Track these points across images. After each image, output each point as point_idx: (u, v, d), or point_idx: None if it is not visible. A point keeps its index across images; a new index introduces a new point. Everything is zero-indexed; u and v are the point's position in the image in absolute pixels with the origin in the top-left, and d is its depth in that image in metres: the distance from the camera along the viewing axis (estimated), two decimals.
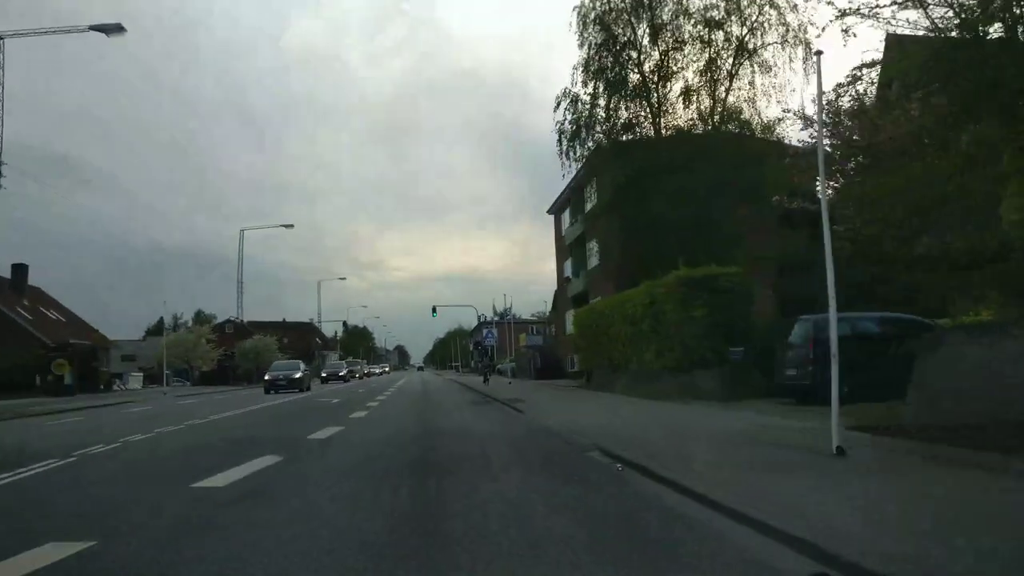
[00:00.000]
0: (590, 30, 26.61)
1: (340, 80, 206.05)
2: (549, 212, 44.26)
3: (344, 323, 76.61)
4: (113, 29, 32.08)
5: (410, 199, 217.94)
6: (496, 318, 74.67)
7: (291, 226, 64.20)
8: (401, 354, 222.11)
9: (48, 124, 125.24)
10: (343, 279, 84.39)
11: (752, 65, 25.76)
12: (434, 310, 59.94)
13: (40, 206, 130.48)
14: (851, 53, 11.41)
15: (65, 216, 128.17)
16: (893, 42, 9.58)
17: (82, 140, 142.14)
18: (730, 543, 4.38)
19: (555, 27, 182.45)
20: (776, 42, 25.47)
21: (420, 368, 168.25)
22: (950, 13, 7.53)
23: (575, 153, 27.24)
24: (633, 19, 26.37)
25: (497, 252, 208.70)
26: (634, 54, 26.54)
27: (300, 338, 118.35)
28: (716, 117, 25.93)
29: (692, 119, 26.36)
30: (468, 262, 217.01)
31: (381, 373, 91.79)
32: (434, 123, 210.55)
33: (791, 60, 25.31)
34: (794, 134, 24.80)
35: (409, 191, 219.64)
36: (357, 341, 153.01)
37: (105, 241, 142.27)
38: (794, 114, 25.23)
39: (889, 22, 7.90)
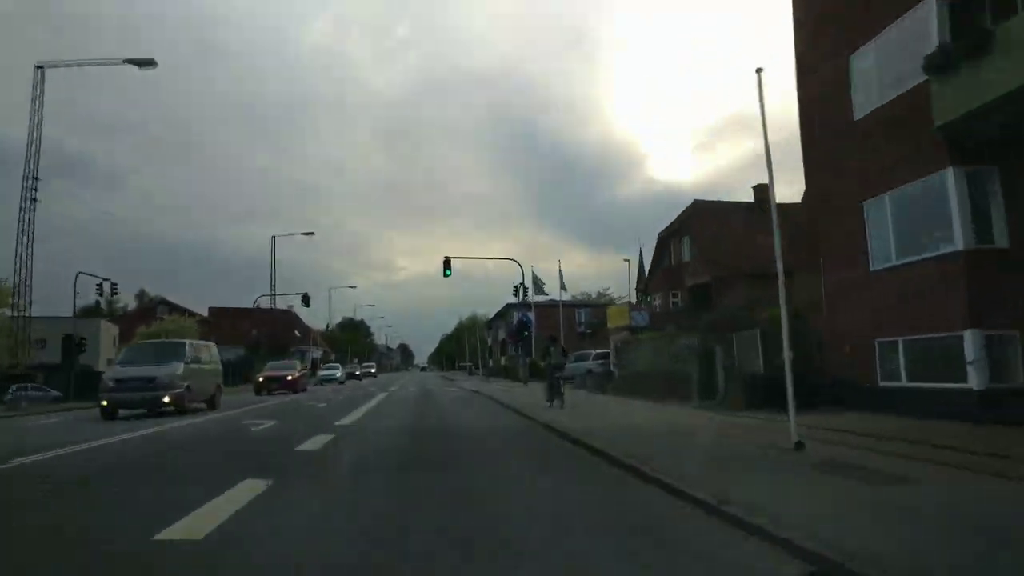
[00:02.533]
0: None
1: (349, 80, 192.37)
2: None
3: (304, 297, 46.59)
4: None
5: (415, 199, 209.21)
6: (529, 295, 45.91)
7: (150, 63, 32.19)
8: (404, 353, 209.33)
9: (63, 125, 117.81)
10: (310, 234, 53.21)
11: None
12: (447, 266, 31.67)
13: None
14: None
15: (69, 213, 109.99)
16: None
17: (93, 140, 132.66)
18: None
19: (562, 27, 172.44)
20: None
21: (423, 368, 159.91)
22: None
23: None
24: None
25: (500, 252, 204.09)
26: None
27: (273, 328, 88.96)
28: None
29: None
30: (472, 261, 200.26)
31: (361, 375, 61.32)
32: (440, 123, 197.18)
33: None
34: None
35: (415, 191, 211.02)
36: (352, 336, 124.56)
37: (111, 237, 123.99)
38: None
39: None
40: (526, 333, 33.08)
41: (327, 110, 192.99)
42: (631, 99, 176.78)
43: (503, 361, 65.96)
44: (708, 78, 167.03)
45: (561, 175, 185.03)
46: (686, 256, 32.59)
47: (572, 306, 65.69)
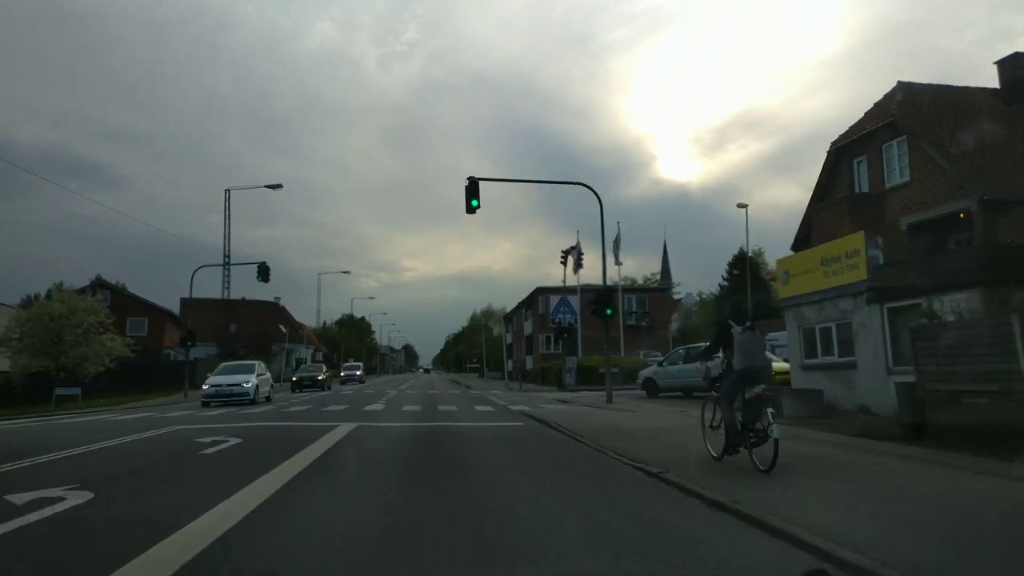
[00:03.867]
0: None
1: (356, 82, 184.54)
2: None
3: (261, 268, 31.27)
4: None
5: (421, 200, 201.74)
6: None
7: None
8: (409, 354, 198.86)
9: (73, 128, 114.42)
10: (278, 187, 37.97)
11: None
12: (473, 194, 16.91)
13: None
14: None
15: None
16: None
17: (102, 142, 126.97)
18: None
19: (567, 26, 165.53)
20: None
21: (427, 370, 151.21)
22: None
23: None
24: None
25: (506, 254, 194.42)
26: None
27: (255, 322, 74.86)
28: None
29: None
30: (479, 263, 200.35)
31: (324, 381, 35.86)
32: (447, 125, 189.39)
33: None
34: None
35: (421, 192, 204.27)
36: (349, 334, 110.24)
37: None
38: None
39: None
40: (609, 312, 18.52)
41: (334, 112, 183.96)
42: (638, 100, 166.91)
43: (528, 363, 51.21)
44: (713, 79, 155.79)
45: (568, 176, 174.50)
46: (899, 175, 18.02)
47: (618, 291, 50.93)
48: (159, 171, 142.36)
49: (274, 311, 78.74)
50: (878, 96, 20.00)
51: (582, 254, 29.96)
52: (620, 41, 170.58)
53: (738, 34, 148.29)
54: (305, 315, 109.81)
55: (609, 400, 18.45)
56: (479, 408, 18.49)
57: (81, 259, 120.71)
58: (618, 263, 36.59)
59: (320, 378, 35.66)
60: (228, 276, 37.44)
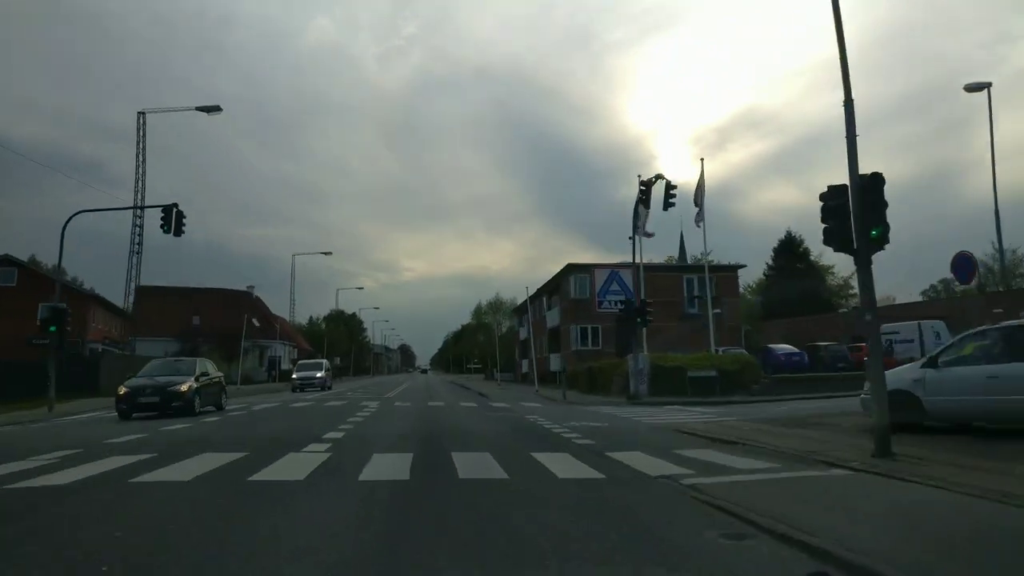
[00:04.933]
0: None
1: (356, 80, 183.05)
2: None
3: (167, 211, 19.80)
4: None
5: (421, 200, 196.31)
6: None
7: None
8: (405, 355, 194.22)
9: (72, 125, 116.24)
10: (217, 109, 26.87)
11: None
12: None
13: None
14: None
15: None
16: None
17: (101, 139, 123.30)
18: None
19: (569, 25, 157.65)
20: None
21: (424, 371, 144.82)
22: None
23: None
24: None
25: (508, 254, 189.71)
26: None
27: (223, 314, 63.86)
28: None
29: None
30: (478, 262, 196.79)
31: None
32: (447, 124, 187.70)
33: None
34: None
35: (421, 192, 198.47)
36: (335, 329, 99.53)
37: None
38: None
39: None
40: (875, 233, 7.34)
41: (333, 110, 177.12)
42: (639, 99, 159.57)
43: (553, 363, 39.66)
44: (714, 78, 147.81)
45: (570, 176, 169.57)
46: None
47: (674, 270, 39.67)
48: (158, 169, 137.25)
49: (246, 302, 67.83)
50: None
51: (674, 186, 18.78)
52: (622, 40, 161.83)
53: (739, 34, 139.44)
54: (300, 312, 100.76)
55: (885, 451, 7.26)
56: (559, 472, 7.25)
57: (79, 257, 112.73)
58: (699, 222, 25.14)
59: (183, 389, 16.32)
60: (141, 224, 26.25)
